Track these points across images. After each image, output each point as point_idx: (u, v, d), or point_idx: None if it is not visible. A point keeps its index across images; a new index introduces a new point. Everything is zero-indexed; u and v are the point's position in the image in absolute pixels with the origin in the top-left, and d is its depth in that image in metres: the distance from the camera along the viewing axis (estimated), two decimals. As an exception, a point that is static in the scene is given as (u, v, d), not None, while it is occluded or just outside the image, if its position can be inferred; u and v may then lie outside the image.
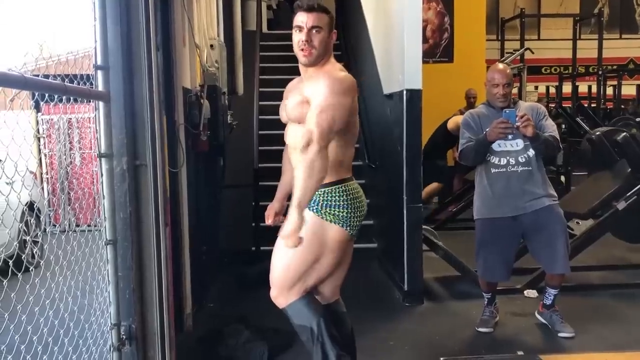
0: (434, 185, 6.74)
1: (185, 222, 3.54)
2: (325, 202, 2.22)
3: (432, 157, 6.75)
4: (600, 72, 9.39)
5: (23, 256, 4.14)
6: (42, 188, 7.44)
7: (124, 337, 2.27)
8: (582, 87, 10.99)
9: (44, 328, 1.97)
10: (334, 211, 2.22)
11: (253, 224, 5.28)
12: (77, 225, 5.90)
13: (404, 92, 3.97)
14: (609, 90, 10.47)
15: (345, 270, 2.46)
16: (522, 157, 3.27)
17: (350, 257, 2.46)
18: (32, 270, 2.41)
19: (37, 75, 1.87)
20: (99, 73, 2.21)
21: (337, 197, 2.23)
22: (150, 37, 2.29)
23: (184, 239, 3.53)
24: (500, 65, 3.44)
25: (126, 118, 2.25)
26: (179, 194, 3.44)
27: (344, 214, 2.23)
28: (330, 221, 2.22)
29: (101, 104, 2.22)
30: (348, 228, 2.24)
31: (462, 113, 7.47)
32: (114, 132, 2.25)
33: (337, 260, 2.31)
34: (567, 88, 10.27)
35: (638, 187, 4.32)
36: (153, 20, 2.32)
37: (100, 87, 2.21)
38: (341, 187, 2.25)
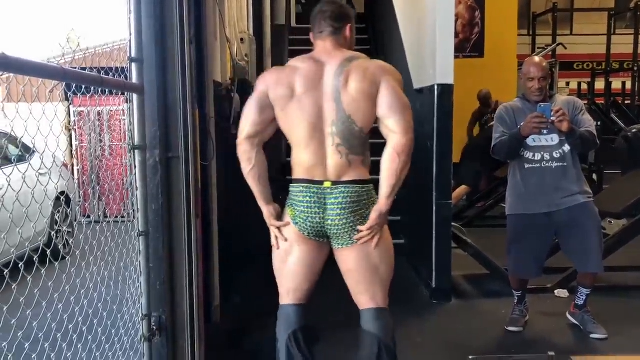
0: (462, 190, 6.61)
1: (214, 216, 3.57)
2: (288, 196, 2.29)
3: (472, 160, 6.61)
4: (635, 68, 9.19)
5: (60, 245, 4.24)
6: (74, 179, 7.57)
7: (155, 327, 2.29)
8: (616, 84, 10.75)
9: (79, 317, 2.00)
10: (288, 203, 2.28)
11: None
12: (107, 217, 5.99)
13: (435, 87, 3.93)
14: (644, 87, 10.21)
15: (353, 279, 2.27)
16: (557, 153, 3.21)
17: (346, 265, 2.27)
18: (68, 259, 2.46)
19: (74, 68, 1.90)
20: (133, 66, 2.23)
21: (290, 194, 2.28)
22: (184, 30, 2.30)
23: (213, 232, 3.55)
24: (537, 59, 3.37)
25: (159, 110, 2.26)
26: (209, 187, 3.47)
27: (290, 209, 2.25)
28: (289, 214, 2.26)
29: (135, 96, 2.23)
30: (297, 226, 2.23)
31: (479, 112, 7.41)
32: (147, 124, 2.26)
33: (298, 256, 2.26)
34: (599, 84, 10.06)
35: (675, 186, 4.21)
36: (187, 13, 2.33)
37: (134, 80, 2.23)
38: (291, 187, 2.28)
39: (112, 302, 2.33)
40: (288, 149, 5.71)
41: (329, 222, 2.18)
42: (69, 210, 5.24)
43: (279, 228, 2.28)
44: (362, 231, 2.18)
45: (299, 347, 2.24)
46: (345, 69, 2.15)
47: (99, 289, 2.22)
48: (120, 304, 2.36)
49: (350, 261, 2.24)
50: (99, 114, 7.87)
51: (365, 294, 2.26)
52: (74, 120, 7.95)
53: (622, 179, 4.97)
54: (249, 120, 2.24)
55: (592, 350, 3.19)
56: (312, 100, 2.15)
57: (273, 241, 2.32)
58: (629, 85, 10.11)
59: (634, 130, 4.64)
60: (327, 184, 2.17)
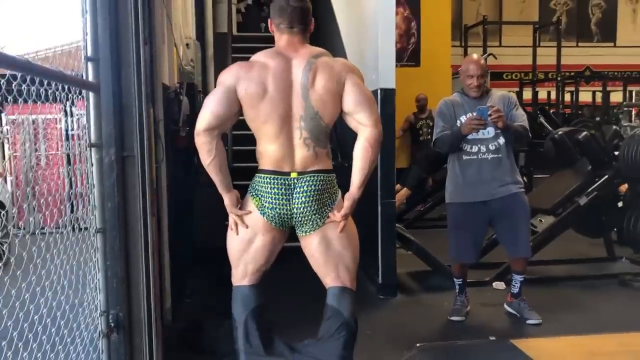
0: (403, 193, 6.79)
1: (165, 217, 3.57)
2: (251, 186, 2.36)
3: (420, 167, 6.79)
4: (559, 79, 9.74)
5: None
6: (7, 189, 7.28)
7: (112, 324, 2.30)
8: (542, 93, 11.36)
9: (35, 316, 1.99)
10: (252, 193, 2.34)
11: (226, 223, 5.31)
12: (43, 228, 5.78)
13: (379, 92, 4.08)
14: (567, 97, 10.85)
15: (317, 262, 2.36)
16: (492, 145, 3.43)
17: (310, 249, 2.37)
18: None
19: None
20: (90, 65, 2.25)
21: (254, 184, 2.34)
22: (139, 30, 2.35)
23: (163, 233, 3.56)
24: (475, 56, 3.57)
25: (114, 109, 2.29)
26: (159, 188, 3.47)
27: (256, 199, 2.32)
28: (255, 205, 2.33)
29: (91, 95, 2.26)
30: (264, 216, 2.31)
31: (414, 117, 7.89)
32: (103, 122, 2.29)
33: (262, 244, 2.34)
34: (527, 94, 10.61)
35: (598, 183, 4.56)
36: (141, 14, 2.37)
37: (91, 79, 2.25)
38: (257, 177, 2.34)
39: (74, 296, 2.32)
40: (234, 155, 5.69)
41: (295, 210, 2.28)
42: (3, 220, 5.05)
43: (240, 216, 2.35)
44: (334, 216, 2.30)
45: (257, 324, 2.34)
46: (312, 65, 2.25)
47: (62, 283, 2.19)
48: (81, 298, 2.35)
49: (314, 245, 2.35)
50: (34, 122, 7.62)
51: (330, 275, 2.36)
52: (7, 129, 7.66)
53: (550, 178, 5.31)
54: (211, 112, 2.21)
55: (528, 334, 3.41)
56: (281, 97, 2.23)
57: (232, 226, 2.38)
58: (554, 95, 10.71)
59: (560, 132, 4.98)
60: (293, 175, 2.27)
